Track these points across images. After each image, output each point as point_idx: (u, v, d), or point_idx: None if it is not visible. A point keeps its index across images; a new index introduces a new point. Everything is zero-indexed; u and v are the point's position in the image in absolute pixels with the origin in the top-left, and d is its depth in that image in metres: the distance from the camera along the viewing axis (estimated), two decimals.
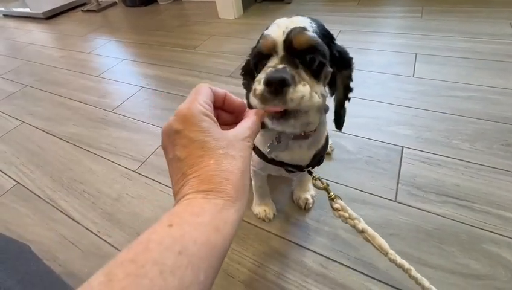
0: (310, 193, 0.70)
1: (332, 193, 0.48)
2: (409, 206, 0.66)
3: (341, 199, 0.47)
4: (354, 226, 0.45)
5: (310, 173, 0.50)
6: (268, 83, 0.30)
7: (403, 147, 0.81)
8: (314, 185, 0.48)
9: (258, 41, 0.38)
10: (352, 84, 0.42)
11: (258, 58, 0.37)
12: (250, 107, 0.43)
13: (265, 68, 0.34)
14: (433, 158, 0.76)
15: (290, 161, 0.50)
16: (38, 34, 2.20)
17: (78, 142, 1.02)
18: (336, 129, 0.49)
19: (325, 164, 0.79)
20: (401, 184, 0.71)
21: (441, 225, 0.62)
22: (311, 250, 0.61)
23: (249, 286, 0.58)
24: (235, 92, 1.13)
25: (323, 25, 0.39)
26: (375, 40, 1.35)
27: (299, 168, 0.51)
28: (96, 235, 0.71)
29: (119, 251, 0.66)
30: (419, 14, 1.51)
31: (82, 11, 2.53)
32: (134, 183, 0.83)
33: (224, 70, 1.31)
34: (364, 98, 1.00)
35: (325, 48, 0.35)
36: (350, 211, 0.46)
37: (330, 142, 0.80)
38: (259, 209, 0.69)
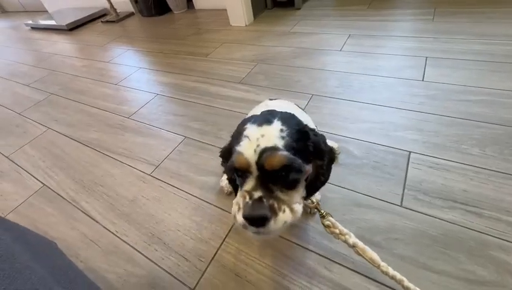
0: (314, 197, 0.71)
1: (322, 211, 0.51)
2: (415, 211, 0.67)
3: (332, 216, 0.50)
4: (345, 241, 0.48)
5: (304, 198, 0.50)
6: (247, 219, 0.33)
7: (410, 152, 0.81)
8: (306, 205, 0.51)
9: (230, 150, 0.39)
10: (324, 175, 0.44)
11: (233, 172, 0.38)
12: (231, 181, 0.49)
13: (242, 192, 0.36)
14: (441, 163, 0.76)
15: None
16: (62, 45, 2.34)
17: (98, 146, 1.09)
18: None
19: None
20: (408, 189, 0.72)
21: (447, 230, 0.62)
22: (316, 252, 0.63)
23: (256, 286, 0.60)
24: (244, 98, 1.19)
25: (297, 123, 0.40)
26: (385, 44, 1.35)
27: None
28: (114, 235, 0.76)
29: (135, 249, 0.71)
30: (431, 17, 1.49)
31: (102, 22, 2.67)
32: (149, 186, 0.88)
33: (234, 77, 1.35)
34: (371, 103, 1.01)
35: (298, 163, 0.35)
36: (340, 226, 0.49)
37: (336, 145, 0.82)
38: None
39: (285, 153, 0.34)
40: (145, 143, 1.06)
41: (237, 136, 0.38)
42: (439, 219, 0.64)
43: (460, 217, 0.64)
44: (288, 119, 0.39)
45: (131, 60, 1.81)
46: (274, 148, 0.34)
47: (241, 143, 0.36)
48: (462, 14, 1.44)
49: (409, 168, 0.76)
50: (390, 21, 1.55)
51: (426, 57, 1.18)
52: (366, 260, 0.46)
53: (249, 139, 0.35)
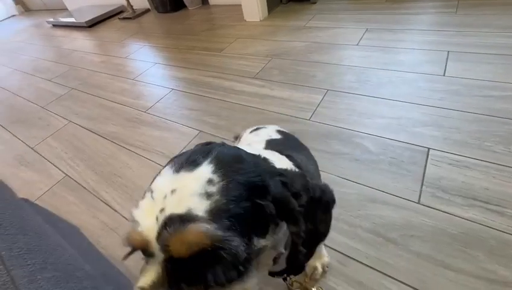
0: (321, 260, 0.58)
1: None
2: (433, 208, 0.65)
3: None
4: None
5: (284, 279, 0.41)
6: None
7: (429, 148, 0.79)
8: (290, 289, 0.40)
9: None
10: (301, 248, 0.26)
11: (131, 250, 0.24)
12: None
13: (135, 288, 0.22)
14: (462, 160, 0.74)
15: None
16: (81, 42, 2.42)
17: (116, 139, 1.13)
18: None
19: (346, 164, 0.80)
20: (426, 186, 0.70)
21: (467, 228, 0.60)
22: (330, 247, 0.63)
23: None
24: (258, 93, 1.19)
25: (244, 164, 0.25)
26: (405, 38, 1.31)
27: (271, 274, 0.39)
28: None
29: None
30: (454, 9, 1.43)
31: (119, 18, 2.73)
32: None
33: (248, 72, 1.35)
34: (389, 98, 0.98)
35: (233, 243, 0.20)
36: None
37: (326, 259, 0.59)
38: None
39: (202, 227, 0.20)
40: (161, 136, 1.09)
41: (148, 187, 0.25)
42: (458, 216, 0.63)
43: (481, 216, 0.62)
44: (229, 160, 0.24)
45: (147, 55, 1.85)
46: (184, 218, 0.20)
47: (140, 203, 0.23)
48: (486, 7, 1.37)
49: (428, 164, 0.74)
50: (410, 14, 1.50)
51: (448, 51, 1.13)
52: None
53: (152, 197, 0.22)
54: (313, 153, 0.59)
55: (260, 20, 1.89)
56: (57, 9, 3.85)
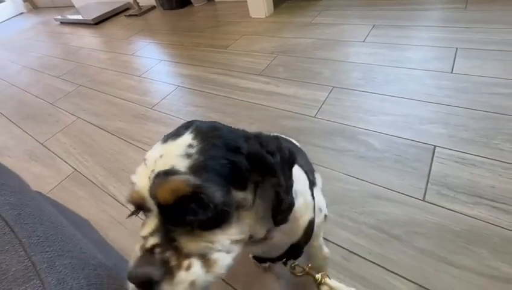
0: (322, 252, 0.58)
1: (317, 276, 0.41)
2: (438, 206, 0.65)
3: (329, 277, 0.42)
4: None
5: (285, 263, 0.43)
6: (129, 280, 0.23)
7: (435, 146, 0.78)
8: (293, 273, 0.42)
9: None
10: (284, 195, 0.30)
11: (135, 210, 0.29)
12: None
13: (139, 243, 0.26)
14: (468, 158, 0.73)
15: (259, 253, 0.43)
16: (88, 39, 2.45)
17: (124, 135, 1.15)
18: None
19: (351, 161, 0.80)
20: (431, 184, 0.70)
21: (471, 226, 0.60)
22: (334, 243, 0.64)
23: (274, 272, 0.62)
24: (264, 90, 1.19)
25: (219, 131, 0.29)
26: (412, 35, 1.29)
27: (270, 260, 0.44)
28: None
29: None
30: (463, 5, 1.41)
31: (125, 15, 2.75)
32: None
33: (254, 69, 1.36)
34: (395, 96, 0.98)
35: (210, 189, 0.24)
36: (342, 286, 0.41)
37: (326, 212, 0.61)
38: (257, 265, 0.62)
39: (183, 177, 0.24)
40: (167, 133, 1.10)
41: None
42: (463, 214, 0.63)
43: (486, 213, 0.62)
44: (206, 130, 0.28)
45: (153, 52, 1.86)
46: (168, 172, 0.25)
47: (137, 169, 0.28)
48: (496, 2, 1.35)
49: (434, 162, 0.74)
50: (418, 10, 1.48)
51: (456, 48, 1.12)
52: None
53: (145, 164, 0.27)
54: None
55: (266, 17, 1.89)
56: (64, 7, 3.89)
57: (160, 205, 0.25)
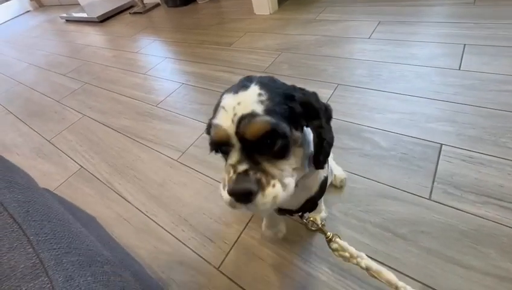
0: (320, 214, 0.64)
1: (329, 234, 0.46)
2: (444, 205, 0.64)
3: (340, 237, 0.45)
4: (357, 264, 0.43)
5: (301, 217, 0.49)
6: (233, 194, 0.30)
7: (441, 144, 0.77)
8: (308, 227, 0.48)
9: (210, 126, 0.35)
10: (326, 134, 0.37)
11: (215, 147, 0.35)
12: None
13: (227, 166, 0.33)
14: (475, 157, 0.72)
15: (286, 201, 0.47)
16: (93, 37, 2.46)
17: (129, 133, 1.16)
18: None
19: (356, 159, 0.80)
20: (437, 182, 0.69)
21: (478, 225, 0.59)
22: None
23: (277, 270, 0.63)
24: None
25: (278, 85, 0.36)
26: (419, 31, 1.27)
27: (289, 212, 0.50)
28: (145, 215, 0.81)
29: (164, 229, 0.75)
30: (472, 0, 1.38)
31: (130, 13, 2.76)
32: (176, 171, 0.92)
33: (258, 66, 1.35)
34: (401, 93, 0.97)
35: (282, 127, 0.32)
36: (351, 249, 0.44)
37: (344, 176, 0.73)
38: (268, 233, 0.66)
39: (265, 118, 0.31)
40: (172, 130, 1.10)
41: (216, 108, 0.35)
42: (470, 213, 0.62)
43: (494, 213, 0.61)
44: (267, 82, 0.35)
45: (158, 50, 1.86)
46: (252, 115, 0.31)
47: (217, 115, 0.33)
48: None
49: (440, 161, 0.73)
50: (426, 6, 1.46)
51: (464, 44, 1.10)
52: (383, 282, 0.41)
53: (225, 110, 0.32)
54: None
55: (270, 14, 1.87)
56: (70, 4, 3.91)
57: (244, 140, 0.31)
